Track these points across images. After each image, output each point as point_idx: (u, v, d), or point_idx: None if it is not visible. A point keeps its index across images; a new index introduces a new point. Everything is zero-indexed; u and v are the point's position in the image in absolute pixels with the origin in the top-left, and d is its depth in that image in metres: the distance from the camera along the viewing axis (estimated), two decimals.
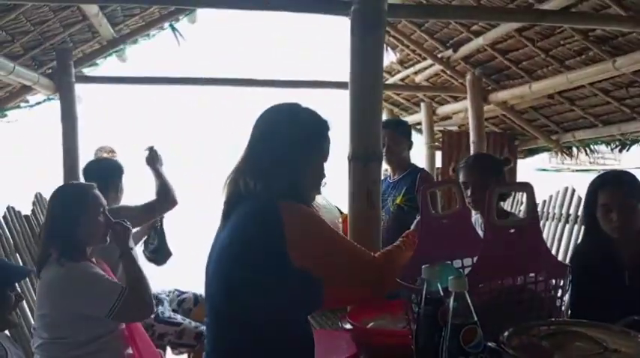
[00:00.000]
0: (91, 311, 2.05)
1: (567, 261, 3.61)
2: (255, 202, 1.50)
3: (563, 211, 4.21)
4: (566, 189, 4.28)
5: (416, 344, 1.31)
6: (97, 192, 2.31)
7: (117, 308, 2.04)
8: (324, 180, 1.67)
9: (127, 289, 2.09)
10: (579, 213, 4.05)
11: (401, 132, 3.18)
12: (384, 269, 1.57)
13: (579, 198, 4.13)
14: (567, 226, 4.14)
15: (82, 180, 3.07)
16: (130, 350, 2.26)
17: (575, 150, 5.86)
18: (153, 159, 3.05)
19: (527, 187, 1.48)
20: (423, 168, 3.34)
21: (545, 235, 3.98)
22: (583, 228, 2.22)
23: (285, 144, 1.53)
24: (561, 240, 4.13)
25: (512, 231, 1.45)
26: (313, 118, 1.59)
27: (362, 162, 2.37)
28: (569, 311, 1.96)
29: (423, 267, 1.31)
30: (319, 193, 1.65)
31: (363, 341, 1.79)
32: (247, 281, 1.45)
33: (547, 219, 4.34)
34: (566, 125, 5.55)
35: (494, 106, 5.32)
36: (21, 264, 3.09)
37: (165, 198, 2.98)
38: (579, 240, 2.70)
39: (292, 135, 1.54)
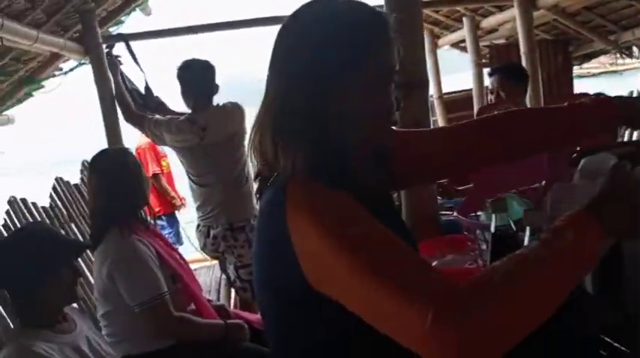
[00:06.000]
0: (125, 295, 2.04)
1: None
2: (276, 180, 0.97)
3: None
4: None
5: None
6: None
7: (146, 306, 2.00)
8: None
9: (165, 298, 2.04)
10: None
11: (513, 78, 3.04)
12: (468, 306, 0.73)
13: None
14: None
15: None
16: (193, 307, 2.26)
17: (635, 49, 5.41)
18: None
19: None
20: None
21: None
22: None
23: (314, 62, 0.92)
24: None
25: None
26: (355, 13, 0.97)
27: (404, 90, 2.17)
28: None
29: (489, 200, 1.17)
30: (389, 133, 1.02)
31: None
32: (272, 309, 1.03)
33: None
34: (624, 23, 5.08)
35: (544, 11, 4.89)
36: (77, 233, 3.12)
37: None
38: None
39: (325, 44, 0.92)
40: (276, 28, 1.00)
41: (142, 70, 3.14)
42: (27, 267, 1.67)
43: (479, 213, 1.50)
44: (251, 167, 1.04)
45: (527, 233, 1.02)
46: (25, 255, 1.69)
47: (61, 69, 4.40)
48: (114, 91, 3.33)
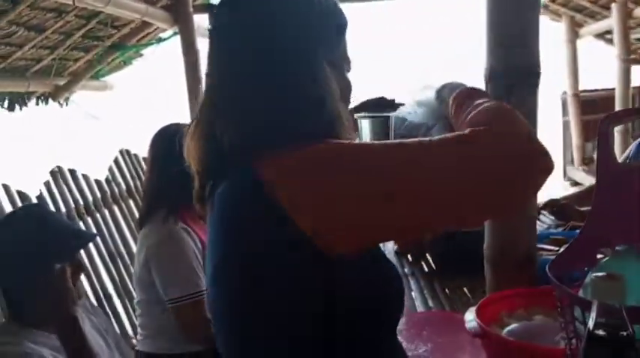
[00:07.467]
0: (158, 287, 1.85)
1: None
2: (235, 172, 0.82)
3: None
4: None
5: None
6: None
7: (179, 303, 1.80)
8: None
9: (201, 298, 1.83)
10: None
11: None
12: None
13: None
14: None
15: None
16: None
17: None
18: None
19: None
20: None
21: None
22: None
23: (274, 41, 0.80)
24: None
25: None
26: None
27: (505, 84, 1.40)
28: None
29: (592, 275, 0.66)
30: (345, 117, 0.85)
31: (496, 348, 1.18)
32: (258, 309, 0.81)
33: None
34: None
35: None
36: (135, 211, 2.94)
37: None
38: None
39: (284, 26, 0.82)
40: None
41: None
42: (6, 261, 1.40)
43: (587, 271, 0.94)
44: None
45: None
46: (5, 246, 1.42)
47: (160, 38, 4.32)
48: None
